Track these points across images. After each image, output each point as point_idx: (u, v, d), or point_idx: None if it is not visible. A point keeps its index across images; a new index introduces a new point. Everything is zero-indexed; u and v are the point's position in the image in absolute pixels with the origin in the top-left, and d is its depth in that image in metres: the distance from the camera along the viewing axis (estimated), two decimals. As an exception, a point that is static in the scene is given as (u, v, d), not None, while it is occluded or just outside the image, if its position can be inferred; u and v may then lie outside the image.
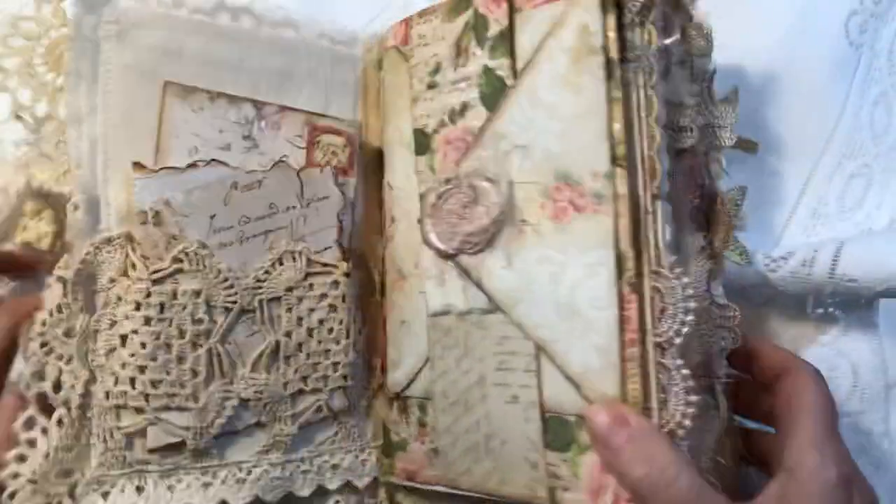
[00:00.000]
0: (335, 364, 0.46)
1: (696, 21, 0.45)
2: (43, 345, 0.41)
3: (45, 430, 0.41)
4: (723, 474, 0.43)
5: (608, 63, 0.40)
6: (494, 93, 0.43)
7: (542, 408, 0.41)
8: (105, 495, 0.41)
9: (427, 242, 0.45)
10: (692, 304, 0.39)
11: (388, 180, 0.49)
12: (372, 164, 0.50)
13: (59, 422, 0.41)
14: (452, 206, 0.44)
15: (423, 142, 0.46)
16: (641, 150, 0.40)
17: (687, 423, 0.39)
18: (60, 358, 0.42)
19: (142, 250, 0.41)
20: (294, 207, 0.45)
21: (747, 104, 0.53)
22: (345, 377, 0.46)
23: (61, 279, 0.41)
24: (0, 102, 0.46)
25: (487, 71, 0.43)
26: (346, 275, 0.46)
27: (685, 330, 0.39)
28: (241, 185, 0.43)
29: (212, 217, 0.42)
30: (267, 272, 0.44)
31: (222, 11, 0.44)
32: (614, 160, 0.39)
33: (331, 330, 0.46)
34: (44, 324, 0.41)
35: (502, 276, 0.42)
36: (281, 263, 0.44)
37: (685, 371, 0.39)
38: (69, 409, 0.41)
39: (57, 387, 0.41)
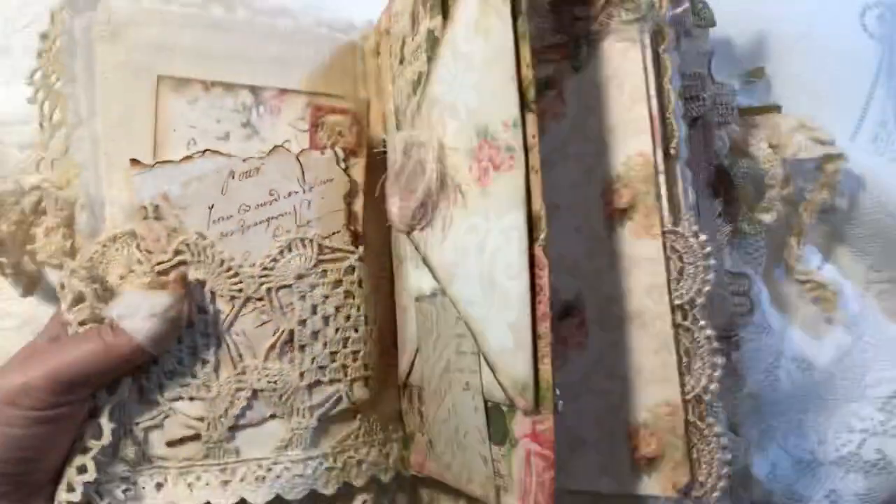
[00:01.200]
0: (354, 353, 0.45)
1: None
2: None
3: None
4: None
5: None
6: (433, 55, 0.40)
7: (483, 395, 0.37)
8: (125, 492, 0.41)
9: (391, 221, 0.43)
10: (712, 262, 0.38)
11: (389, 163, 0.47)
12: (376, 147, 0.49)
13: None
14: (402, 180, 0.41)
15: (399, 119, 0.45)
16: (650, 108, 0.39)
17: (713, 386, 0.38)
18: None
19: (146, 245, 0.41)
20: (296, 192, 0.44)
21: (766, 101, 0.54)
22: (365, 366, 0.45)
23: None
24: (0, 101, 0.48)
25: (428, 34, 0.41)
26: (362, 259, 0.45)
27: (706, 289, 0.38)
28: (238, 173, 0.43)
29: (210, 207, 0.42)
30: (274, 260, 0.43)
31: (215, 3, 0.44)
32: (525, 106, 0.33)
33: (348, 317, 0.45)
34: None
35: (440, 251, 0.40)
36: (289, 251, 0.43)
37: (709, 332, 0.38)
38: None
39: None
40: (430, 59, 0.40)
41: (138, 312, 0.39)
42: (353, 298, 0.45)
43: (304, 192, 0.44)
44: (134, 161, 0.42)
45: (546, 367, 0.33)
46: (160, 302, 0.39)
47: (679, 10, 0.42)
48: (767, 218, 0.51)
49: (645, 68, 0.39)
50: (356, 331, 0.45)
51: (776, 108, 0.53)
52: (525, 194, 0.33)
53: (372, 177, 0.48)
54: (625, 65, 0.40)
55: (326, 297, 0.44)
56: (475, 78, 0.36)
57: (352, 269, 0.45)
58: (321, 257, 0.44)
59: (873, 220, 0.54)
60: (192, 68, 0.43)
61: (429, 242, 0.40)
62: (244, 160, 0.43)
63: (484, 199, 0.36)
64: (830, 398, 0.55)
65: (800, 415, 0.55)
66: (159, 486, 0.42)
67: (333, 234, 0.45)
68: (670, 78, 0.40)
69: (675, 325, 0.38)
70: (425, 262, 0.41)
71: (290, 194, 0.44)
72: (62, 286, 0.40)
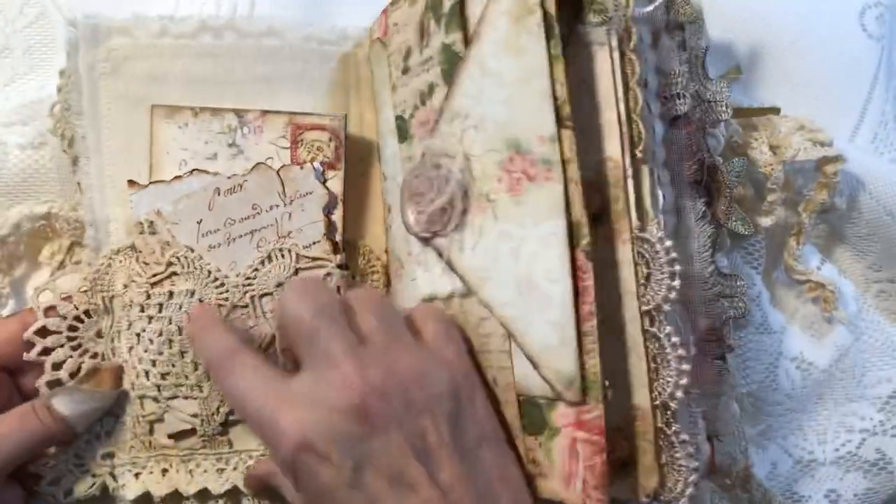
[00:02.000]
0: None
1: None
2: (77, 346, 0.47)
3: None
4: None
5: (546, 19, 0.37)
6: (451, 68, 0.42)
7: (516, 390, 0.40)
8: (137, 475, 0.46)
9: (407, 227, 0.45)
10: (678, 268, 0.38)
11: (383, 170, 0.50)
12: (370, 156, 0.52)
13: None
14: (421, 188, 0.43)
15: (403, 128, 0.47)
16: (618, 112, 0.39)
17: (679, 394, 0.38)
18: (95, 356, 0.47)
19: (143, 257, 0.46)
20: (277, 206, 0.47)
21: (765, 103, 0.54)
22: None
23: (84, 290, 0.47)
24: (0, 102, 0.51)
25: (445, 48, 0.43)
26: (340, 266, 0.48)
27: (672, 296, 0.38)
28: (223, 190, 0.46)
29: (199, 222, 0.46)
30: (256, 269, 0.46)
31: (205, 32, 0.47)
32: (560, 122, 0.37)
33: None
34: (75, 328, 0.46)
35: (469, 256, 0.42)
36: (270, 261, 0.47)
37: (675, 339, 0.38)
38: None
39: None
40: (445, 73, 0.43)
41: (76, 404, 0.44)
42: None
43: (284, 205, 0.47)
44: (131, 182, 0.46)
45: (592, 361, 0.36)
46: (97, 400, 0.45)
47: (649, 7, 0.41)
48: (766, 222, 0.51)
49: (613, 71, 0.39)
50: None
51: (775, 110, 0.54)
52: (565, 204, 0.37)
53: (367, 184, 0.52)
54: (593, 68, 0.40)
55: None
56: (506, 94, 0.39)
57: (329, 276, 0.48)
58: (299, 266, 0.47)
59: (873, 220, 0.54)
60: (184, 96, 0.47)
61: (453, 248, 0.42)
62: (229, 177, 0.46)
63: (517, 208, 0.39)
64: (830, 398, 0.55)
65: (800, 415, 0.55)
66: (164, 471, 0.46)
67: (313, 244, 0.48)
68: (640, 79, 0.39)
69: (643, 331, 0.38)
70: (450, 266, 0.43)
71: (271, 208, 0.47)
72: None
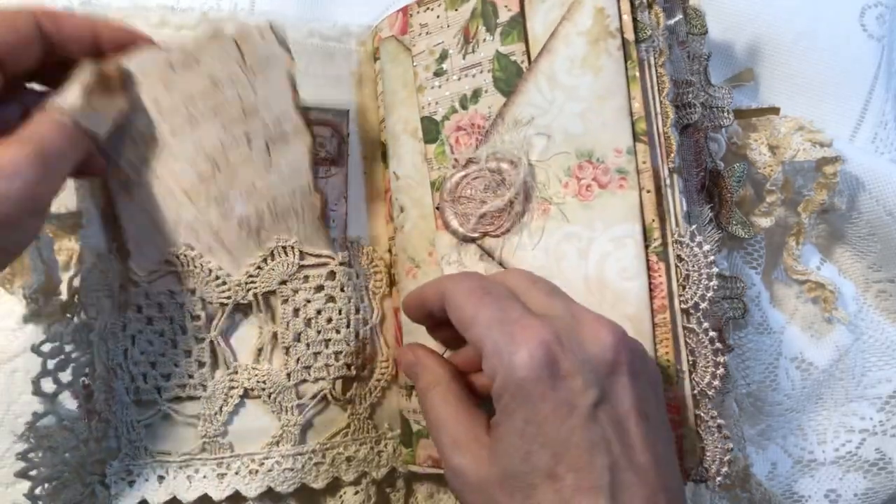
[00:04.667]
0: (336, 353, 0.47)
1: (692, 3, 0.47)
2: (66, 346, 0.45)
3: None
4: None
5: (624, 44, 0.42)
6: (509, 77, 0.45)
7: None
8: (131, 484, 0.44)
9: (448, 228, 0.46)
10: (715, 270, 0.41)
11: (394, 170, 0.49)
12: (374, 153, 0.51)
13: (89, 415, 0.45)
14: (473, 191, 0.45)
15: (432, 129, 0.47)
16: (657, 126, 0.42)
17: (716, 383, 0.41)
18: (87, 358, 0.45)
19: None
20: (238, 78, 0.43)
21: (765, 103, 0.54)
22: (348, 366, 0.47)
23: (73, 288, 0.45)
24: None
25: (500, 56, 0.45)
26: (343, 264, 0.47)
27: (709, 294, 0.41)
28: (177, 64, 0.42)
29: (156, 101, 0.42)
30: (259, 267, 0.45)
31: (206, 24, 0.45)
32: (635, 136, 0.41)
33: (329, 320, 0.47)
34: (67, 325, 0.44)
35: (529, 256, 0.43)
36: (273, 258, 0.45)
37: (712, 334, 0.41)
38: (97, 404, 0.45)
39: (85, 384, 0.45)
40: (500, 80, 0.45)
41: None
42: (335, 302, 0.47)
43: (246, 76, 0.43)
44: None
45: (665, 349, 0.41)
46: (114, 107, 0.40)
47: (672, 21, 0.45)
48: (766, 223, 0.51)
49: (651, 87, 0.42)
50: (338, 332, 0.47)
51: (775, 110, 0.54)
52: (640, 210, 0.41)
53: (370, 181, 0.51)
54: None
55: (308, 300, 0.46)
56: (581, 108, 0.42)
57: (332, 274, 0.47)
58: (303, 263, 0.46)
59: (873, 220, 0.54)
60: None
61: (509, 247, 0.44)
62: (181, 50, 0.42)
63: (585, 211, 0.42)
64: (830, 398, 0.55)
65: (799, 414, 0.55)
66: (161, 478, 0.44)
67: (281, 116, 0.44)
68: (668, 92, 0.42)
69: (683, 328, 0.41)
70: (502, 265, 0.44)
71: (232, 81, 0.43)
72: None
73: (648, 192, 0.41)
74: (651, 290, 0.41)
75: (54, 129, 0.37)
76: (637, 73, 0.42)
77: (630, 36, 0.42)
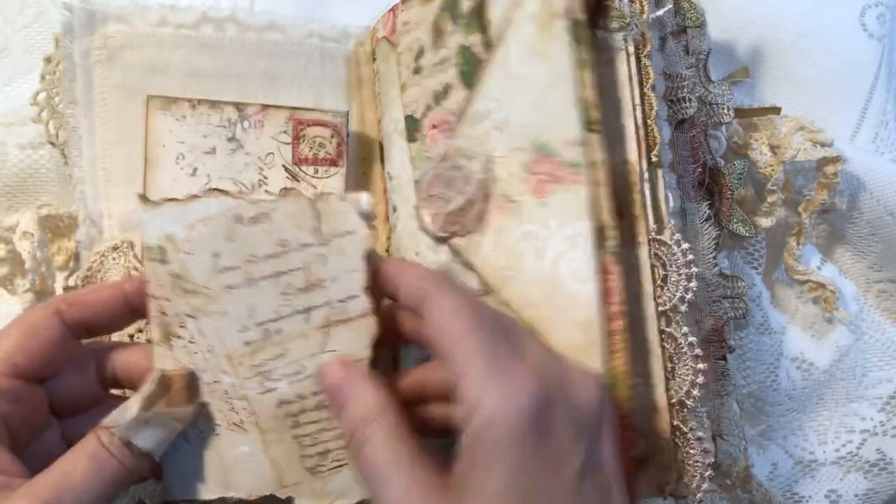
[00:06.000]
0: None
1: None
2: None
3: None
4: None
5: (575, 27, 0.38)
6: (471, 70, 0.42)
7: None
8: None
9: (423, 228, 0.45)
10: (694, 270, 0.39)
11: (388, 170, 0.49)
12: (372, 154, 0.51)
13: None
14: (439, 189, 0.43)
15: (412, 128, 0.46)
16: (635, 117, 0.40)
17: (696, 392, 0.39)
18: None
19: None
20: (309, 245, 0.38)
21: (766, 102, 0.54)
22: None
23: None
24: (0, 101, 0.50)
25: (463, 49, 0.43)
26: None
27: (689, 297, 0.39)
28: (246, 217, 0.38)
29: (215, 255, 0.38)
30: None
31: (206, 23, 0.46)
32: (588, 126, 0.38)
33: None
34: None
35: (490, 256, 0.41)
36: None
37: (692, 339, 0.39)
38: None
39: None
40: (464, 74, 0.43)
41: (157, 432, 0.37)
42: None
43: (317, 244, 0.38)
44: (143, 197, 0.38)
45: (620, 361, 0.37)
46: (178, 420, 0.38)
47: (661, 12, 0.43)
48: (767, 223, 0.51)
49: (630, 77, 0.40)
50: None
51: (775, 110, 0.54)
52: (590, 206, 0.38)
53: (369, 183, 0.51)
54: (612, 74, 0.41)
55: None
56: (533, 98, 0.40)
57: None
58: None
59: (874, 220, 0.54)
60: (184, 88, 0.45)
61: (473, 247, 0.42)
62: (252, 202, 0.38)
63: (542, 209, 0.39)
64: (830, 398, 0.55)
65: (800, 415, 0.55)
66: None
67: (348, 298, 0.38)
68: (653, 84, 0.40)
69: (660, 332, 0.39)
70: (468, 266, 0.43)
71: (301, 247, 0.38)
72: None
73: (603, 186, 0.38)
74: (604, 295, 0.38)
75: (88, 467, 0.34)
76: (586, 57, 0.38)
77: (580, 16, 0.39)
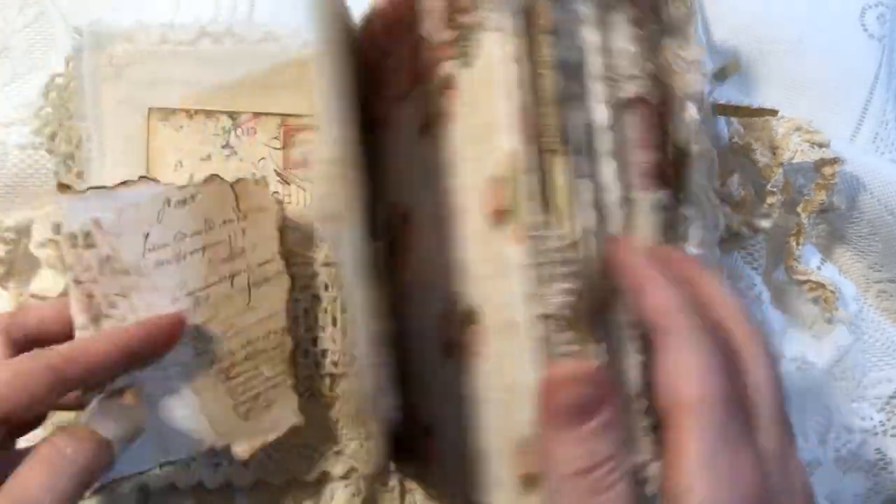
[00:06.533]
0: (323, 351, 0.49)
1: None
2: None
3: None
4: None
5: None
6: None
7: None
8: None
9: None
10: (574, 269, 0.34)
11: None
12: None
13: None
14: None
15: None
16: (523, 100, 0.35)
17: None
18: None
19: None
20: (231, 221, 0.45)
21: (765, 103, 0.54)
22: (335, 363, 0.49)
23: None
24: (0, 102, 0.52)
25: None
26: (327, 264, 0.48)
27: (559, 300, 0.34)
28: (174, 200, 0.43)
29: (146, 235, 0.42)
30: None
31: (204, 38, 0.48)
32: None
33: (315, 318, 0.48)
34: None
35: None
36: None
37: (574, 347, 0.34)
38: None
39: None
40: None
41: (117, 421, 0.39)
42: (321, 301, 0.49)
43: (237, 220, 0.45)
44: (62, 185, 0.41)
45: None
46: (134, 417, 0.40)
47: None
48: (766, 224, 0.52)
49: (517, 57, 0.35)
50: (324, 330, 0.49)
51: (773, 112, 0.54)
52: None
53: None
54: (498, 54, 0.36)
55: (296, 299, 0.48)
56: None
57: (315, 275, 0.48)
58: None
59: (873, 220, 0.54)
60: (183, 100, 0.48)
61: None
62: (180, 188, 0.43)
63: None
64: (830, 398, 0.55)
65: (800, 415, 0.55)
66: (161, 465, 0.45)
67: (266, 262, 0.46)
68: (553, 63, 0.36)
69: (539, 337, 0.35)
70: None
71: (224, 222, 0.44)
72: None
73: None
74: None
75: (43, 472, 0.34)
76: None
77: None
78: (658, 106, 0.40)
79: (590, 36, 0.38)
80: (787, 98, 0.56)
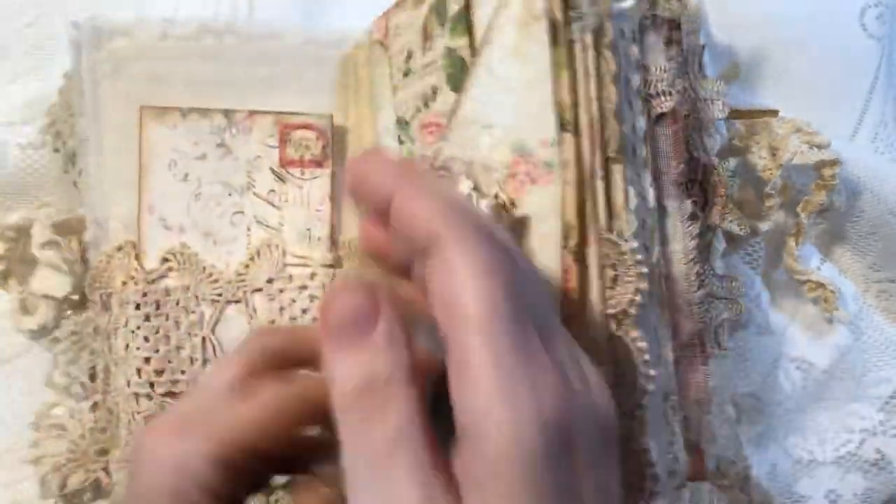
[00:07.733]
0: None
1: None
2: (76, 340, 0.48)
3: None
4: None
5: (553, 28, 0.38)
6: (457, 73, 0.43)
7: None
8: None
9: None
10: (644, 270, 0.37)
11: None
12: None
13: (94, 406, 0.48)
14: None
15: (404, 130, 0.47)
16: (590, 113, 0.38)
17: (644, 401, 0.37)
18: (93, 353, 0.48)
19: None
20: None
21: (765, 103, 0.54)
22: None
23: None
24: (1, 102, 0.52)
25: (450, 52, 0.43)
26: (326, 266, 0.48)
27: (639, 299, 0.37)
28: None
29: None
30: (247, 266, 0.47)
31: (206, 34, 0.48)
32: (563, 127, 0.38)
33: (314, 319, 0.48)
34: (76, 323, 0.48)
35: None
36: (259, 256, 0.47)
37: (642, 344, 0.37)
38: (104, 396, 0.48)
39: (92, 376, 0.48)
40: (450, 77, 0.43)
41: None
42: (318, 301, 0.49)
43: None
44: None
45: None
46: None
47: (628, 3, 0.41)
48: (765, 226, 0.52)
49: (586, 69, 0.38)
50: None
51: (773, 112, 0.54)
52: (561, 205, 0.37)
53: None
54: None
55: (293, 300, 0.48)
56: (514, 100, 0.39)
57: (314, 274, 0.48)
58: (287, 262, 0.48)
59: (873, 220, 0.54)
60: (183, 97, 0.48)
61: None
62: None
63: (521, 210, 0.39)
64: (830, 398, 0.55)
65: (800, 415, 0.55)
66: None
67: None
68: (615, 76, 0.39)
69: (609, 335, 0.37)
70: None
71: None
72: None
73: (571, 185, 0.37)
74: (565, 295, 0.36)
75: None
76: (564, 59, 0.38)
77: (559, 16, 0.38)
78: (688, 121, 0.44)
79: (632, 53, 0.41)
80: (787, 98, 0.56)
